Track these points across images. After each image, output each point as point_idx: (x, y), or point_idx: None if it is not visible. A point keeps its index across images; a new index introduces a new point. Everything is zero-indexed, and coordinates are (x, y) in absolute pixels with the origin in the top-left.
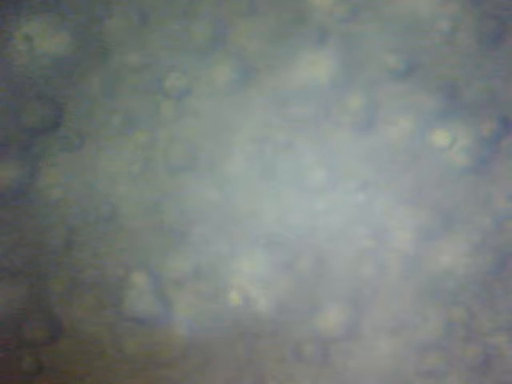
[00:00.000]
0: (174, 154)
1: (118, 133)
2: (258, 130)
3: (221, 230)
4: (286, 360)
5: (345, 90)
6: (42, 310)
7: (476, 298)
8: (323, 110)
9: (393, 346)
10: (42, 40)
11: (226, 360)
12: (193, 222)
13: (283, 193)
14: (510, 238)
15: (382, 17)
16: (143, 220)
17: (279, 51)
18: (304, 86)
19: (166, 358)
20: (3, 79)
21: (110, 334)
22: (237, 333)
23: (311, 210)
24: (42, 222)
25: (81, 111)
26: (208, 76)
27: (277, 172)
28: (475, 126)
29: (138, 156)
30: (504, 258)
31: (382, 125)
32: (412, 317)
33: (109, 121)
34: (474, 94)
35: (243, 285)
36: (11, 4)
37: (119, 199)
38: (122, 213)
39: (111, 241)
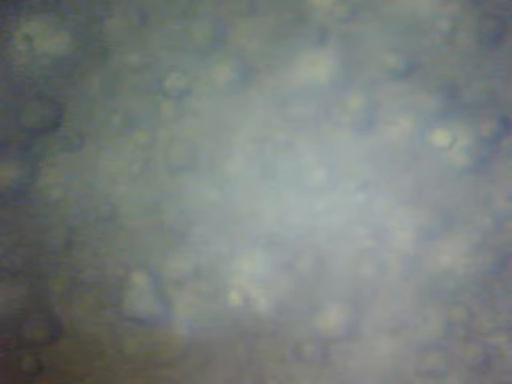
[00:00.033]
0: (174, 154)
1: (118, 133)
2: (258, 130)
3: (221, 230)
4: (286, 360)
5: (345, 90)
6: (42, 310)
7: (476, 298)
8: (323, 110)
9: (393, 346)
10: (42, 40)
11: (226, 360)
12: (193, 222)
13: (283, 193)
14: (510, 238)
15: (382, 17)
16: (143, 220)
17: (279, 51)
18: (304, 86)
19: (166, 358)
20: (3, 79)
21: (109, 334)
22: (237, 333)
23: (311, 209)
24: (41, 222)
25: (81, 111)
26: (208, 76)
27: (277, 172)
28: (475, 125)
29: (138, 156)
30: (504, 258)
31: (382, 125)
32: (412, 317)
33: (109, 121)
34: (474, 94)
35: (243, 285)
36: (11, 4)
37: (119, 199)
38: (122, 213)
39: (111, 241)
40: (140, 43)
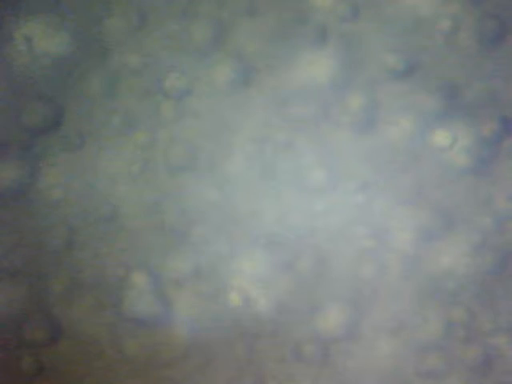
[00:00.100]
0: (174, 154)
1: (118, 133)
2: (258, 130)
3: (221, 230)
4: (286, 360)
5: (345, 90)
6: (42, 311)
7: (476, 298)
8: (323, 110)
9: (393, 346)
10: (42, 40)
11: (226, 360)
12: (193, 222)
13: (283, 193)
14: (510, 238)
15: (382, 17)
16: (143, 220)
17: (279, 51)
18: (304, 86)
19: (167, 358)
20: (4, 79)
21: (109, 335)
22: (237, 333)
23: (311, 210)
24: (42, 222)
25: (81, 111)
26: (208, 76)
27: (277, 172)
28: (475, 126)
29: (138, 156)
30: (504, 258)
31: (382, 125)
32: (412, 317)
33: (109, 121)
34: (475, 94)
35: (243, 285)
36: (11, 4)
37: (119, 199)
38: (122, 213)
39: (111, 241)
40: (140, 43)
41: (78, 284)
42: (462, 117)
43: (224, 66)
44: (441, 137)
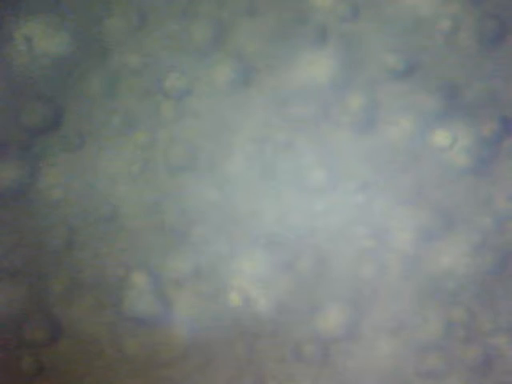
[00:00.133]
0: (174, 154)
1: (118, 133)
2: (258, 130)
3: (221, 230)
4: (286, 360)
5: (345, 90)
6: (42, 311)
7: (476, 298)
8: (323, 110)
9: (393, 346)
10: (42, 40)
11: (226, 360)
12: (193, 222)
13: (283, 193)
14: (510, 238)
15: (382, 17)
16: (143, 220)
17: (279, 51)
18: (304, 86)
19: (167, 358)
20: (3, 79)
21: (109, 334)
22: (237, 333)
23: (311, 210)
24: (42, 222)
25: (81, 111)
26: (208, 76)
27: (277, 172)
28: (476, 126)
29: (138, 156)
30: (504, 258)
31: (382, 125)
32: (412, 317)
33: (109, 121)
34: (475, 94)
35: (243, 285)
36: (11, 4)
37: (119, 199)
38: (122, 213)
39: (111, 241)
40: (140, 43)
41: (78, 284)
42: (462, 117)
43: (224, 65)
44: (441, 137)
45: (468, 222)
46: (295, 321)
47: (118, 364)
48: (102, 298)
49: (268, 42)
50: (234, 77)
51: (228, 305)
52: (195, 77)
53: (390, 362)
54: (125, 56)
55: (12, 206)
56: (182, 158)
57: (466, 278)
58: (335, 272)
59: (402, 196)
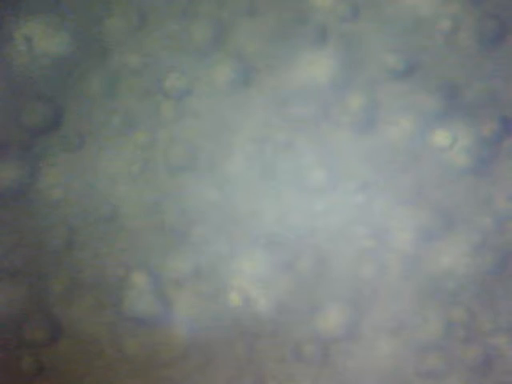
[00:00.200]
0: (173, 154)
1: (118, 133)
2: (258, 130)
3: (221, 230)
4: (286, 360)
5: (345, 90)
6: (42, 311)
7: (476, 298)
8: (323, 110)
9: (393, 346)
10: (42, 40)
11: (226, 360)
12: (193, 222)
13: (283, 193)
14: (510, 238)
15: (382, 17)
16: (143, 220)
17: (279, 51)
18: (304, 86)
19: (167, 358)
20: (3, 79)
21: (109, 334)
22: (237, 333)
23: (311, 210)
24: (42, 222)
25: (81, 111)
26: (208, 76)
27: (277, 172)
28: (475, 126)
29: (138, 156)
30: (504, 258)
31: (382, 125)
32: (412, 317)
33: (109, 121)
34: (475, 94)
35: (243, 285)
36: (11, 4)
37: (119, 199)
38: (122, 213)
39: (111, 241)
40: (140, 43)
41: (78, 284)
42: (462, 117)
43: (224, 65)
44: (441, 137)
45: (468, 221)
46: (295, 321)
47: (118, 364)
48: (102, 298)
49: (268, 41)
50: (234, 77)
51: (228, 305)
52: (195, 77)
53: (390, 361)
54: (125, 56)
55: (12, 205)
56: (182, 158)
57: (465, 278)
58: (335, 272)
59: (402, 196)
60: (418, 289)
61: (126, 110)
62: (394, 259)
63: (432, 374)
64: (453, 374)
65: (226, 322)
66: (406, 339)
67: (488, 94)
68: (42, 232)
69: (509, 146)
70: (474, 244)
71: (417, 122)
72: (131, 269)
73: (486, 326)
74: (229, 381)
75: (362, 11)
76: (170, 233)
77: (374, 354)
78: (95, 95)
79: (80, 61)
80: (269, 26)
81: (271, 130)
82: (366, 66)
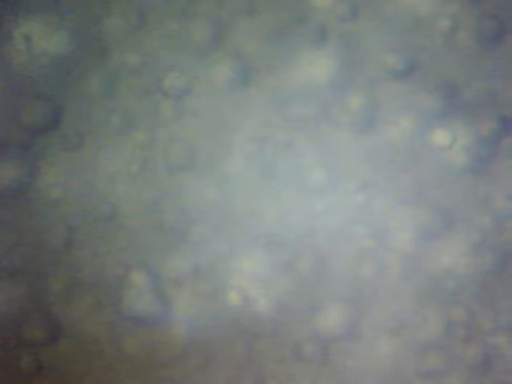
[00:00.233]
0: (173, 154)
1: (117, 132)
2: (258, 130)
3: (220, 230)
4: (286, 360)
5: (345, 90)
6: (42, 310)
7: (476, 298)
8: (323, 110)
9: (393, 346)
10: (41, 39)
11: (225, 359)
12: (192, 221)
13: (283, 193)
14: (509, 237)
15: (381, 16)
16: (142, 219)
17: (279, 51)
18: (304, 86)
19: (166, 357)
20: (2, 78)
21: (109, 334)
22: (236, 332)
23: (311, 210)
24: (41, 221)
25: (80, 110)
26: (207, 75)
27: (277, 172)
28: (475, 125)
29: (138, 155)
30: (504, 257)
31: (382, 125)
32: (412, 317)
33: (108, 120)
34: (474, 93)
35: (243, 284)
36: (10, 4)
37: (118, 198)
38: (121, 212)
39: (111, 240)
40: (139, 43)
41: (78, 283)
42: (462, 116)
43: (223, 65)
44: (440, 136)
45: (467, 221)
46: (295, 321)
47: (118, 363)
48: (102, 298)
49: (267, 41)
50: (234, 76)
51: (227, 304)
52: (194, 76)
53: (389, 361)
54: (124, 55)
55: (11, 205)
56: (182, 158)
57: (465, 277)
58: (335, 272)
59: (401, 196)
60: (417, 288)
61: (125, 109)
62: (394, 259)
63: (432, 374)
64: (453, 374)
65: (225, 321)
66: (405, 339)
67: (487, 93)
68: (42, 231)
69: (508, 145)
70: (474, 243)
71: (416, 122)
72: (130, 268)
73: (485, 326)
74: (228, 381)
75: (361, 11)
76: (169, 232)
77: (373, 354)
78: (94, 94)
79: (79, 60)
80: (268, 25)
81: (271, 129)
82: (365, 65)
